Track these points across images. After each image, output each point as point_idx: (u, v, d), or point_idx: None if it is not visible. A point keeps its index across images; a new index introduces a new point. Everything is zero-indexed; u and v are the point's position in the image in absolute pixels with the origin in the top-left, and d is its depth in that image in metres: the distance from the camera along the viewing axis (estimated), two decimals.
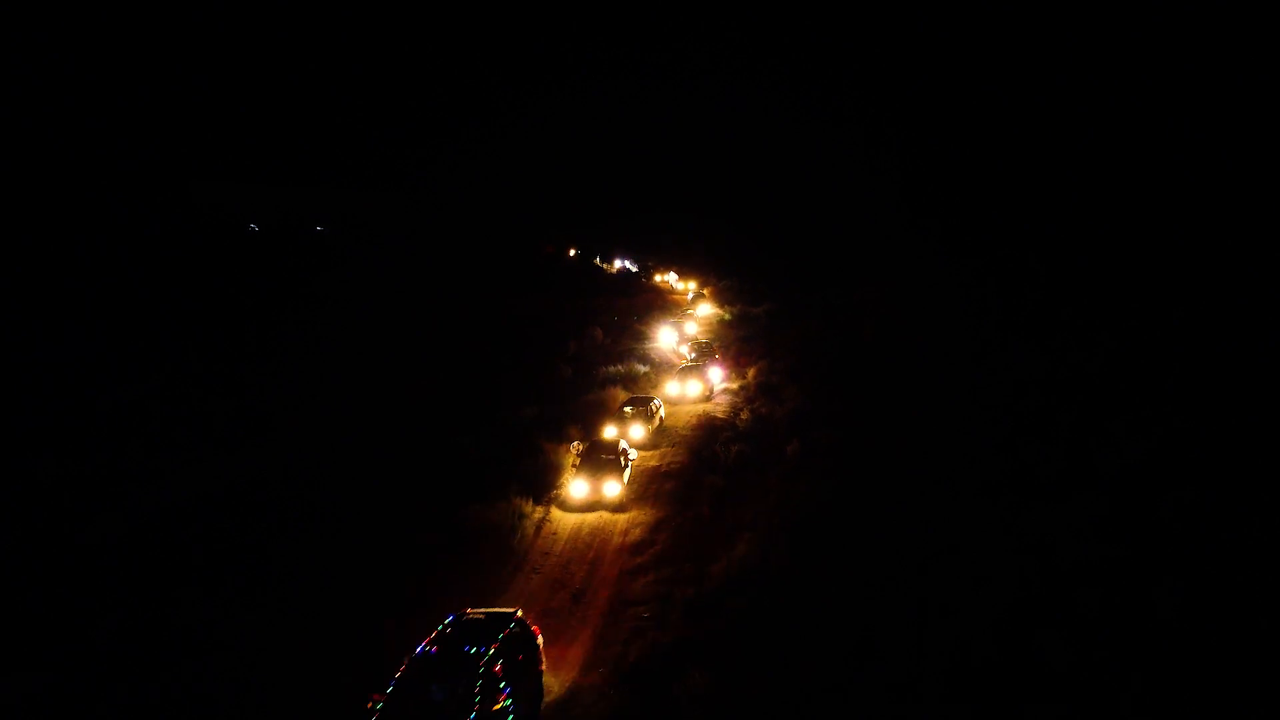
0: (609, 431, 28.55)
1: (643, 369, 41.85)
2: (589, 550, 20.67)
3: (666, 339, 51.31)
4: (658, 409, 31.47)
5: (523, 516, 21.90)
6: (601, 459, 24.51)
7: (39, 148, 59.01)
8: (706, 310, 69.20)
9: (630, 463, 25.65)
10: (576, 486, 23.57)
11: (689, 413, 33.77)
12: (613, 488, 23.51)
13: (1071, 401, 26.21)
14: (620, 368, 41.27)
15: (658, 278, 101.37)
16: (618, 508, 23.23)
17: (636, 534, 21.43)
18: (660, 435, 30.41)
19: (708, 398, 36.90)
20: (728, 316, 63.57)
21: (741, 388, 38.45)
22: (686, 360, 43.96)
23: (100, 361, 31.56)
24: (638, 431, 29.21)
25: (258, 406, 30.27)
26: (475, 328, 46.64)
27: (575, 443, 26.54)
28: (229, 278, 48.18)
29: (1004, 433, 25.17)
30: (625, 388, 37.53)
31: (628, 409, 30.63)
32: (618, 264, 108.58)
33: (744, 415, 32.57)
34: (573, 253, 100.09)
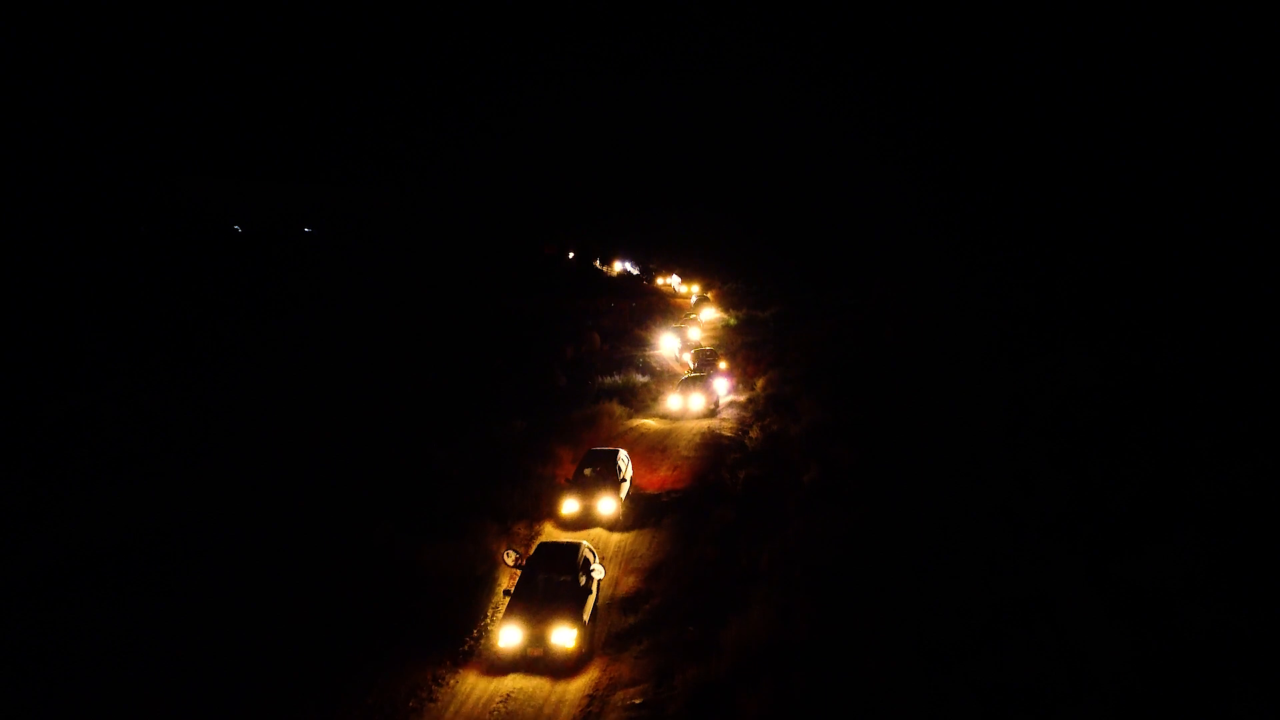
0: (569, 506, 21.50)
1: (642, 379, 39.06)
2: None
3: (668, 346, 49.07)
4: (625, 467, 23.97)
5: (498, 564, 18.59)
6: (549, 583, 15.90)
7: (14, 140, 56.38)
8: (711, 314, 67.04)
9: (598, 584, 17.30)
10: (507, 634, 14.91)
11: (692, 430, 30.31)
12: (564, 635, 14.84)
13: (1139, 412, 22.60)
14: (618, 378, 38.34)
15: (660, 280, 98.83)
16: (570, 668, 14.86)
17: (630, 583, 18.03)
18: (634, 504, 23.13)
19: (712, 412, 33.67)
20: (733, 321, 61.77)
21: (750, 400, 35.36)
22: (689, 370, 41.36)
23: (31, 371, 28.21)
24: (607, 505, 21.56)
25: (208, 419, 26.95)
26: (469, 332, 43.71)
27: (508, 550, 17.45)
28: (204, 279, 45.16)
29: (1059, 449, 21.65)
30: (622, 401, 34.36)
31: (588, 470, 22.79)
32: (618, 266, 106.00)
33: (754, 433, 29.37)
34: (571, 254, 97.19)
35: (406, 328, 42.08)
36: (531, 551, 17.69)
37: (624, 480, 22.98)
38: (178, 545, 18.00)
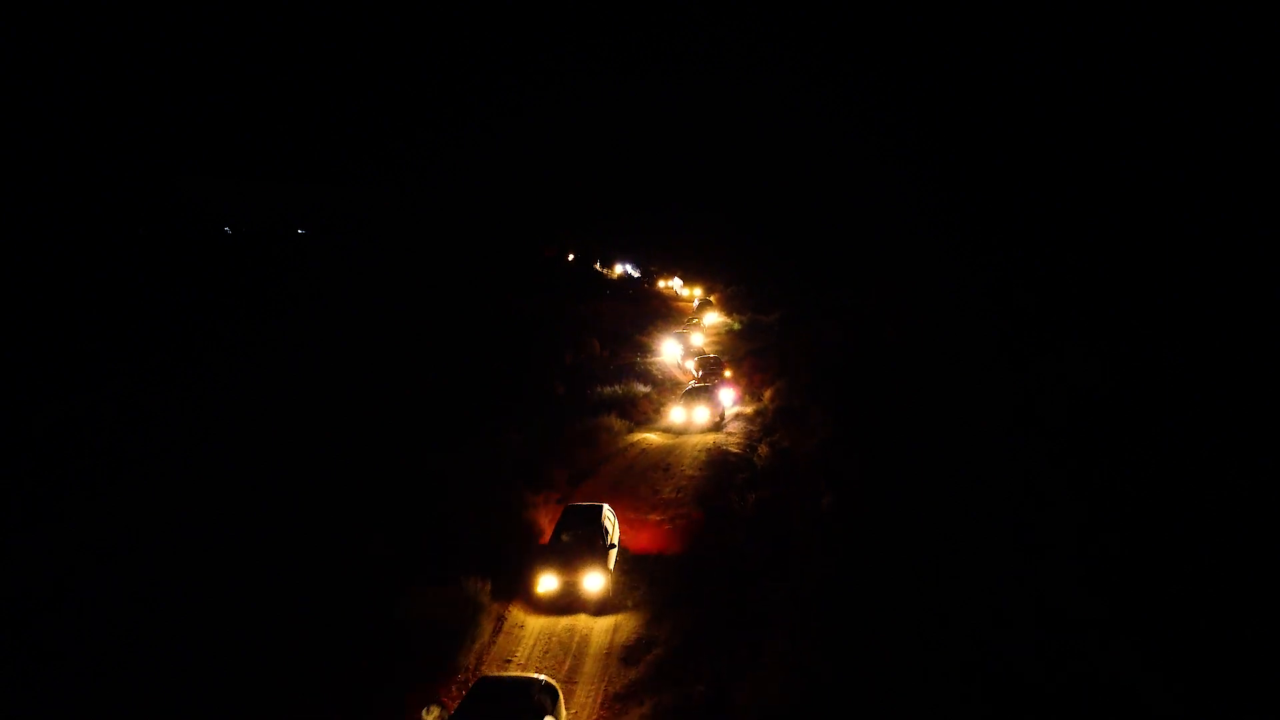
0: (545, 583, 17.38)
1: (643, 389, 37.33)
2: (564, 657, 15.56)
3: (670, 352, 47.43)
4: (612, 527, 19.75)
5: (479, 609, 16.60)
6: None
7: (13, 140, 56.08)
8: (714, 319, 65.58)
9: None
10: None
11: (697, 446, 28.89)
12: None
13: (1143, 414, 22.11)
14: (617, 388, 36.62)
15: (661, 283, 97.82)
16: None
17: (629, 630, 16.34)
18: (625, 563, 19.40)
19: (718, 425, 32.17)
20: (737, 326, 60.12)
21: (757, 412, 33.77)
22: (693, 379, 39.96)
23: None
24: (594, 582, 17.40)
25: (206, 421, 26.54)
26: (469, 335, 42.90)
27: (427, 709, 12.08)
28: (203, 279, 44.85)
29: (1078, 465, 21.02)
30: (622, 414, 32.72)
31: (567, 534, 18.65)
32: (619, 268, 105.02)
33: (762, 449, 27.74)
34: (571, 256, 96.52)
35: (406, 329, 41.54)
36: (466, 693, 12.73)
37: (612, 547, 18.89)
38: (157, 556, 17.31)
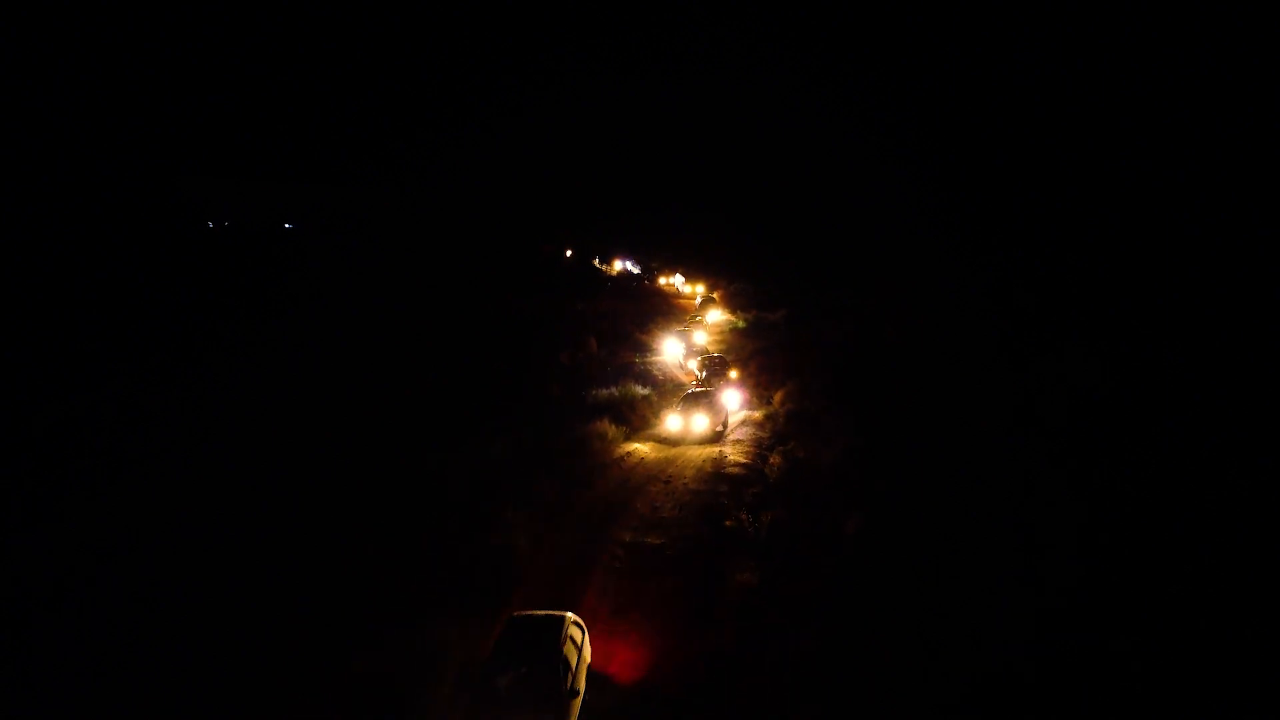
0: None
1: (642, 391, 35.88)
2: None
3: (671, 351, 46.58)
4: (578, 654, 12.79)
5: (443, 655, 13.69)
6: None
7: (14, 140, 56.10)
8: (717, 316, 64.57)
9: None
10: None
11: (697, 457, 26.49)
12: None
13: (1159, 422, 21.99)
14: (615, 390, 34.92)
15: (662, 280, 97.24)
16: None
17: (627, 677, 14.19)
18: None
19: (720, 434, 29.62)
20: (741, 324, 59.01)
21: (768, 417, 31.52)
22: (695, 381, 38.57)
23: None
24: None
25: (205, 421, 26.48)
26: (468, 335, 42.62)
27: None
28: (202, 279, 44.76)
29: (1078, 465, 20.90)
30: (619, 419, 30.95)
31: (504, 678, 11.68)
32: (618, 265, 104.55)
33: (774, 460, 25.63)
34: (569, 253, 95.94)
35: (406, 328, 41.38)
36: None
37: (575, 695, 12.01)
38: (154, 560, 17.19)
